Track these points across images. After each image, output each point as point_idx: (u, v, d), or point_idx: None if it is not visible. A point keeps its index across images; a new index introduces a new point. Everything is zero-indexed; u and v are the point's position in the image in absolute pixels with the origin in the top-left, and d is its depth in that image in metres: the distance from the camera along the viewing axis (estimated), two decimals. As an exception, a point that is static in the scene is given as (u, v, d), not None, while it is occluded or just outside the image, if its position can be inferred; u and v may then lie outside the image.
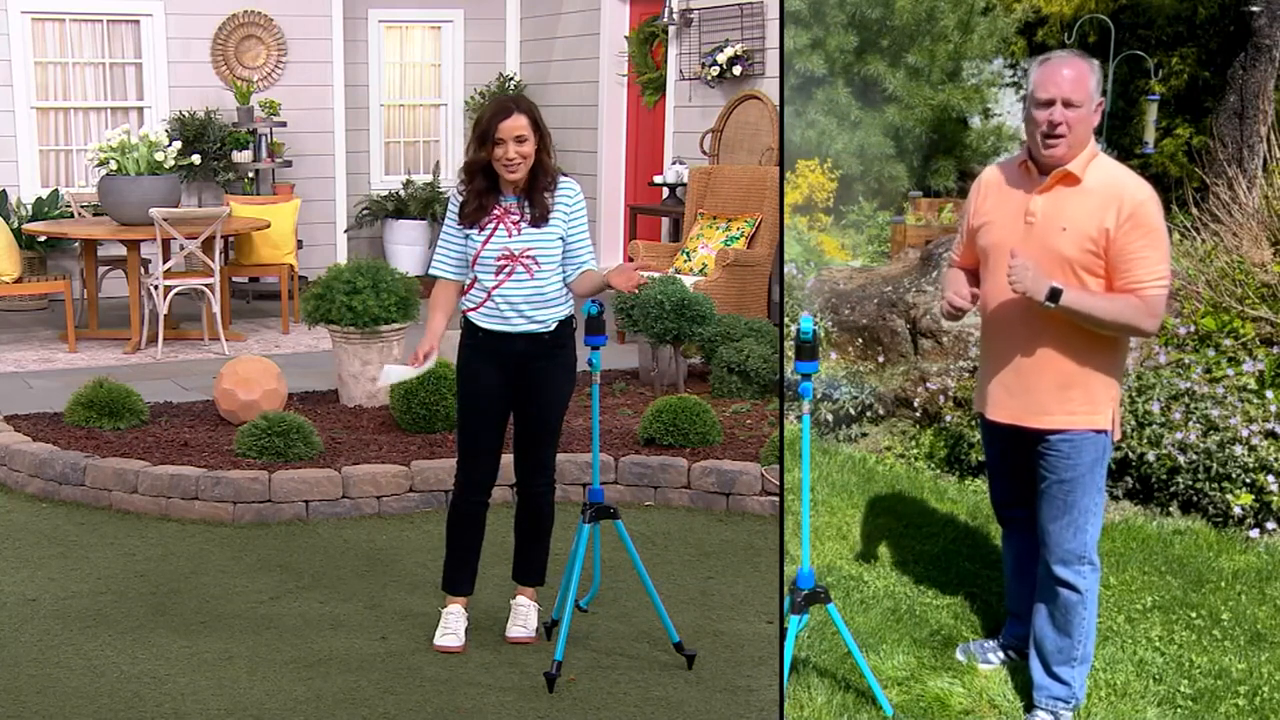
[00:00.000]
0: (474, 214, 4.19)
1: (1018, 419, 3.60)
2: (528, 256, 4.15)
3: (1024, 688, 3.81)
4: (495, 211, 4.18)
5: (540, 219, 4.16)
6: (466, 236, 4.21)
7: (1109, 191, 3.41)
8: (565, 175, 4.29)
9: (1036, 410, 3.55)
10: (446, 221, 4.28)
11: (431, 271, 4.33)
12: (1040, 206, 3.48)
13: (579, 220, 4.23)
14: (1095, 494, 3.59)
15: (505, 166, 4.10)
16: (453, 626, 4.45)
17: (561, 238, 4.19)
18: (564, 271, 4.23)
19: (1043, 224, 3.47)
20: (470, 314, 4.26)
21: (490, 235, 4.17)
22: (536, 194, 4.17)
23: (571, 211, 4.21)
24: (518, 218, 4.17)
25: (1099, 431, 3.54)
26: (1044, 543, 3.65)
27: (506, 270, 4.17)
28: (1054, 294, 3.36)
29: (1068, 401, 3.51)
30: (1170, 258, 3.49)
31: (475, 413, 4.30)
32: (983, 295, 3.67)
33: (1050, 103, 3.41)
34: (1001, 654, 4.00)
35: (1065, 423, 3.52)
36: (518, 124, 4.09)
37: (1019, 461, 3.69)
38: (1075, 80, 3.39)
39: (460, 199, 4.23)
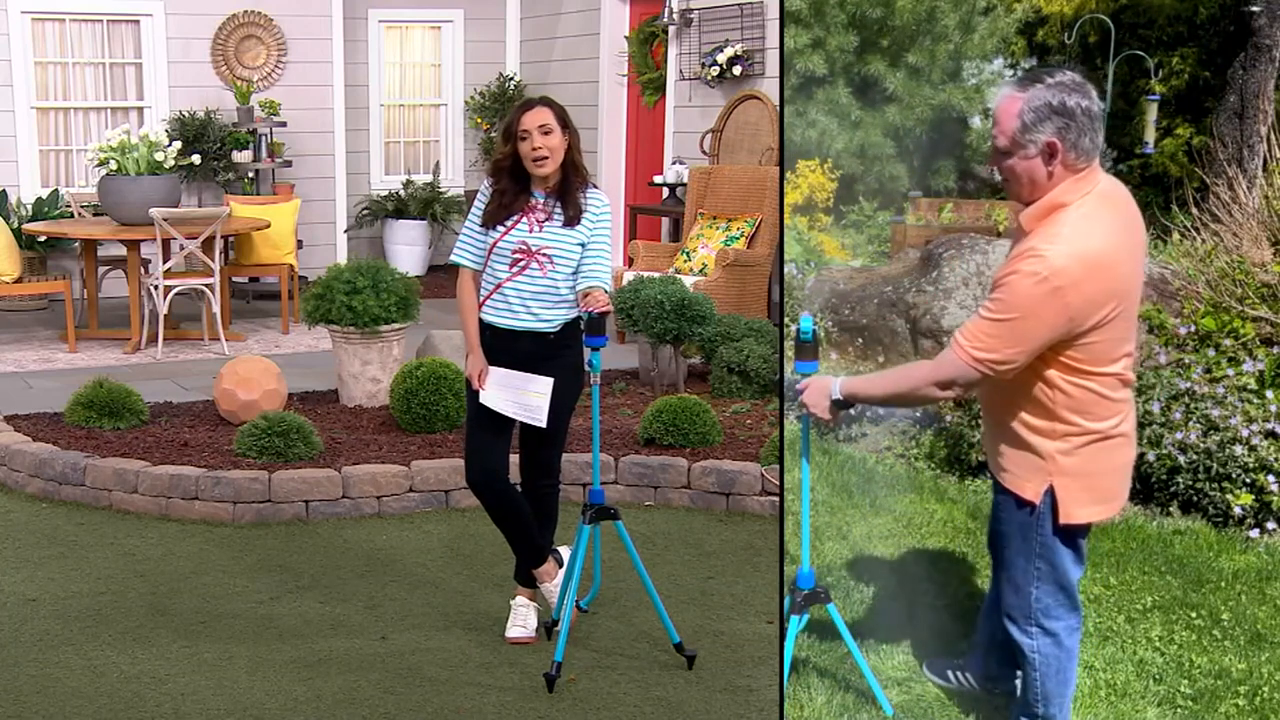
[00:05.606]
0: (494, 214, 4.18)
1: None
2: (543, 255, 4.14)
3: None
4: (524, 207, 4.16)
5: (573, 220, 4.14)
6: (486, 232, 4.21)
7: (1025, 245, 2.93)
8: (596, 187, 4.27)
9: (989, 451, 3.32)
10: (471, 215, 4.28)
11: (452, 259, 4.32)
12: (1015, 247, 3.12)
13: (601, 233, 4.18)
14: (1024, 561, 3.17)
15: (533, 161, 4.08)
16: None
17: (582, 244, 4.16)
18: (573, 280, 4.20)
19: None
20: (480, 309, 4.26)
21: (511, 228, 4.16)
22: (569, 194, 4.15)
23: (596, 221, 4.18)
24: (544, 216, 4.15)
25: (1022, 503, 3.12)
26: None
27: (520, 265, 4.15)
28: (839, 404, 3.17)
29: (999, 456, 3.20)
30: (1023, 341, 2.87)
31: (481, 413, 4.28)
32: None
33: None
34: (963, 677, 3.77)
35: (998, 476, 3.23)
36: (540, 115, 4.09)
37: None
38: (999, 122, 2.93)
39: (485, 198, 4.22)
